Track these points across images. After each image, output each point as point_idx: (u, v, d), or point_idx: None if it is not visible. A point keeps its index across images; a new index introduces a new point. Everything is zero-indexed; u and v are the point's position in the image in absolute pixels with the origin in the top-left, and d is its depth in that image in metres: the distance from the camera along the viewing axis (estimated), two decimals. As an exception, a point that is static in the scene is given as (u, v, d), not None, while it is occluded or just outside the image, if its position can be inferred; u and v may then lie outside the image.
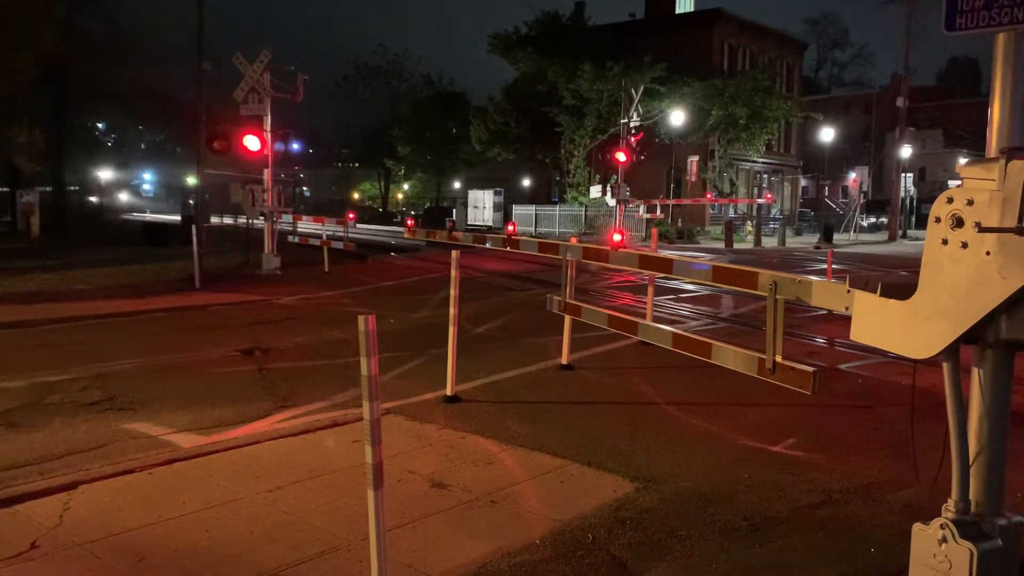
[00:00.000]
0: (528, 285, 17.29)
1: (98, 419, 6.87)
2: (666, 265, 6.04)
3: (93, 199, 54.44)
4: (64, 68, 33.55)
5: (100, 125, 53.52)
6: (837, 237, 37.82)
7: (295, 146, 21.94)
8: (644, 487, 5.25)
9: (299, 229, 27.84)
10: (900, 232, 40.86)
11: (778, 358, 4.53)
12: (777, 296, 4.45)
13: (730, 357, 5.08)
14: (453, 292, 7.42)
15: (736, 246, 34.26)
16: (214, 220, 26.51)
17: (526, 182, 54.64)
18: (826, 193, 60.54)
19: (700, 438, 6.48)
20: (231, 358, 9.53)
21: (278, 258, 19.68)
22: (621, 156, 28.85)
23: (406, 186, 73.91)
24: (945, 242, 3.35)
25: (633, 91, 31.97)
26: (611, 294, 15.85)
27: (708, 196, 40.60)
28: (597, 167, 43.79)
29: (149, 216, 53.36)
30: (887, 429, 6.73)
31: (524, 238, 8.37)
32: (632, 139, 30.22)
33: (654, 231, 13.20)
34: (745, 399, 7.55)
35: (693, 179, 42.67)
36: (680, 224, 39.85)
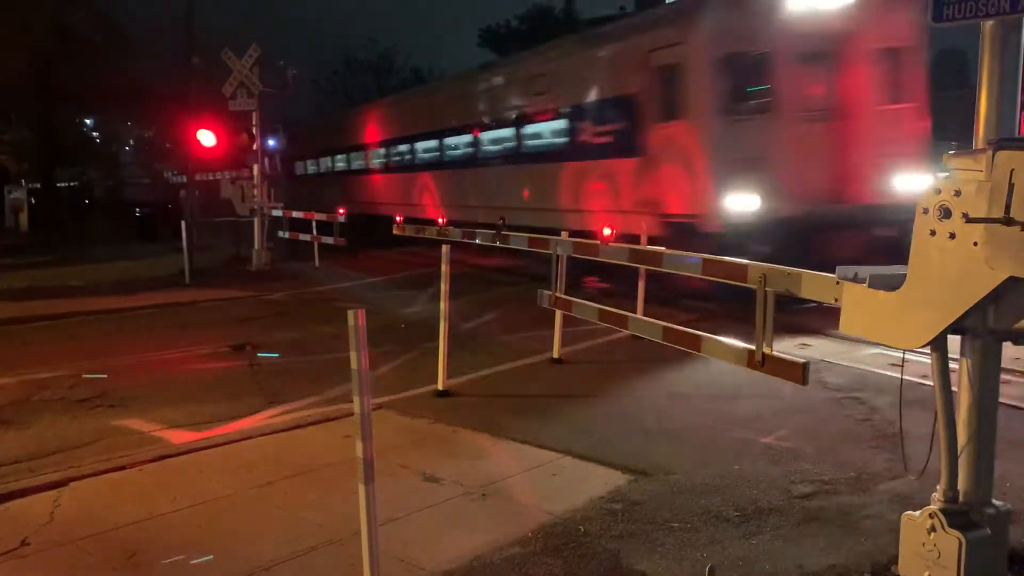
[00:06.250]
0: (519, 279, 17.27)
1: (88, 416, 6.85)
2: (656, 258, 6.03)
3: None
4: (54, 63, 33.29)
5: (88, 121, 52.96)
6: (827, 229, 37.86)
7: (271, 142, 21.88)
8: (636, 479, 5.27)
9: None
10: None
11: (768, 350, 4.54)
12: (767, 288, 4.45)
13: (720, 349, 5.09)
14: (444, 287, 7.42)
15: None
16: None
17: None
18: (816, 186, 60.33)
19: (691, 430, 6.50)
20: (222, 354, 9.51)
21: (268, 253, 19.61)
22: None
23: (397, 180, 73.69)
24: (933, 233, 3.36)
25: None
26: (600, 287, 15.84)
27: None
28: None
29: None
30: (877, 419, 6.76)
31: (515, 233, 8.35)
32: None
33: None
34: (736, 391, 7.57)
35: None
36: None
